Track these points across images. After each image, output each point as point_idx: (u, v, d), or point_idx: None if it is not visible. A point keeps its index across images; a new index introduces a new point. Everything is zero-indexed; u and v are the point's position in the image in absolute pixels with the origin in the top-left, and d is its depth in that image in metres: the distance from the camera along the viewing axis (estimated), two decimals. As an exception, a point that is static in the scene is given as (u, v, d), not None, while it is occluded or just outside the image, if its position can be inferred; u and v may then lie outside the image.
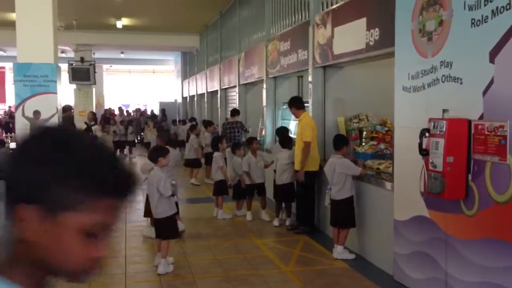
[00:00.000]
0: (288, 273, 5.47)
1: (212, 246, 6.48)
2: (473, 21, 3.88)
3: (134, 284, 5.23)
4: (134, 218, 7.61)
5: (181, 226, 8.02)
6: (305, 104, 7.85)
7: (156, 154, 5.65)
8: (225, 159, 9.06)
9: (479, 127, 3.84)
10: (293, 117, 8.19)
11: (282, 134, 7.93)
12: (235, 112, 11.31)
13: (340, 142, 6.12)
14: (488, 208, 3.76)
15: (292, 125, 9.14)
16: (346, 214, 5.91)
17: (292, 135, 8.24)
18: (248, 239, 6.84)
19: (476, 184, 3.90)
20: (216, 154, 8.26)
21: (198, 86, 19.12)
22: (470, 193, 3.95)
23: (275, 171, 7.53)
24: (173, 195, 5.51)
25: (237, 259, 5.94)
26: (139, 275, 5.47)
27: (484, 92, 3.77)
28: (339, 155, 6.03)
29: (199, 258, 5.93)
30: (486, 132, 3.76)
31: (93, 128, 13.06)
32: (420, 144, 4.29)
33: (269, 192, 8.12)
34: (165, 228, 5.50)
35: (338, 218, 5.99)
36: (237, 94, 12.70)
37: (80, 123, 14.43)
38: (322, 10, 7.37)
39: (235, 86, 12.96)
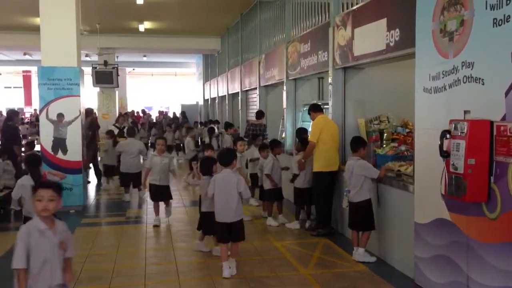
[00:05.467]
0: (307, 275, 5.44)
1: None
2: (495, 20, 3.81)
3: (153, 285, 5.26)
4: (148, 220, 7.73)
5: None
6: (325, 106, 7.81)
7: (230, 157, 5.63)
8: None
9: (502, 128, 3.76)
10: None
11: (300, 135, 8.01)
12: (260, 114, 11.22)
13: (357, 144, 6.06)
14: (511, 211, 3.67)
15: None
16: (363, 217, 5.85)
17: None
18: (267, 241, 6.82)
19: (498, 186, 3.82)
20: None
21: (220, 88, 19.21)
22: (492, 196, 3.87)
23: (295, 175, 7.50)
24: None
25: (255, 261, 5.93)
26: (158, 276, 5.50)
27: (507, 93, 3.70)
28: (357, 157, 5.98)
29: (217, 259, 5.94)
30: (509, 134, 3.68)
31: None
32: (441, 146, 4.22)
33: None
34: (240, 231, 5.55)
35: (355, 221, 5.94)
36: (258, 96, 12.71)
37: (103, 124, 14.61)
38: (342, 11, 7.33)
39: (255, 88, 12.98)
